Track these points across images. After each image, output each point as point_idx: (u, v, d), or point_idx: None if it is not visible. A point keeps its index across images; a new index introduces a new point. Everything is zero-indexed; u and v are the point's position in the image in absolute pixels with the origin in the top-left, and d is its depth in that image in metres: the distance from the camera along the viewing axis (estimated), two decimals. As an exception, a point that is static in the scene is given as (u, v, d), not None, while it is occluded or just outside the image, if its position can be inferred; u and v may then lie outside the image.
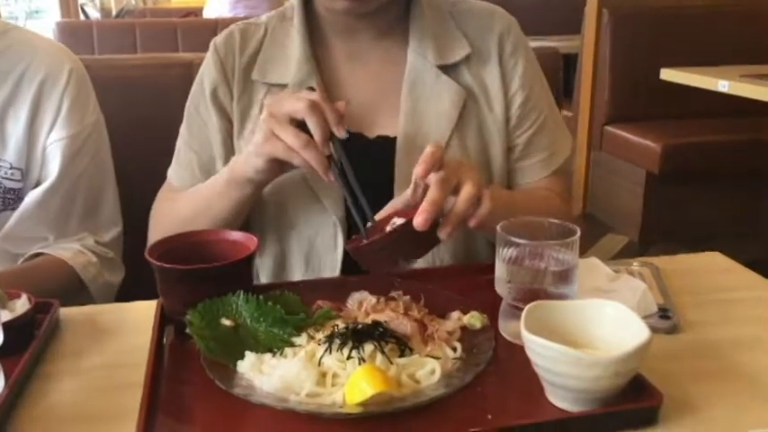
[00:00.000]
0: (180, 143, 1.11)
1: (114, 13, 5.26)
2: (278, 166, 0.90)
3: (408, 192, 0.85)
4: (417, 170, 0.80)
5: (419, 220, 0.76)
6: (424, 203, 0.77)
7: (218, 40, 1.08)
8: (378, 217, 0.87)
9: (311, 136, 0.86)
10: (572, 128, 3.65)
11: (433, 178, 0.79)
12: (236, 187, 0.95)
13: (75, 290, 1.13)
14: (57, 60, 1.15)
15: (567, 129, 1.15)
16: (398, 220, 0.84)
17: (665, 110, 3.33)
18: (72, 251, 1.15)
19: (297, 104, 0.85)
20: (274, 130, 0.87)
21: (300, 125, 0.87)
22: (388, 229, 0.83)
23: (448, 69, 1.04)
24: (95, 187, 1.19)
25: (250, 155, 0.91)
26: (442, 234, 0.79)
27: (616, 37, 3.35)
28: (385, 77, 1.06)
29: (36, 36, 1.19)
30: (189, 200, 1.04)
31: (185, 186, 1.08)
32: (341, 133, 0.86)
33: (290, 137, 0.85)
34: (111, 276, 1.19)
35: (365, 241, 0.83)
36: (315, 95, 0.87)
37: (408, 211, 0.84)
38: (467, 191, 0.80)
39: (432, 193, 0.78)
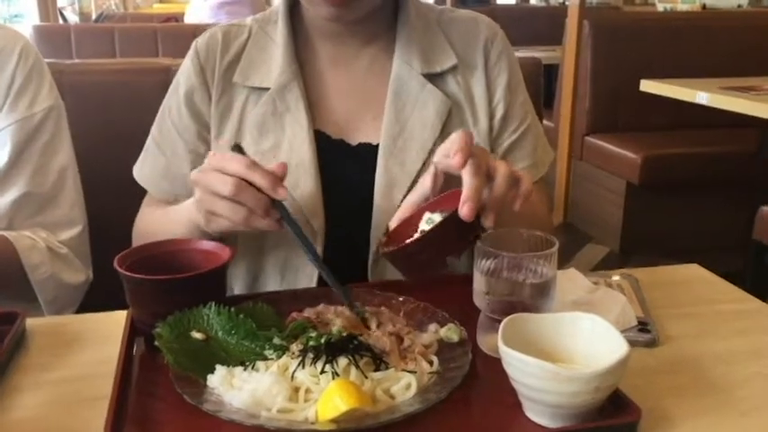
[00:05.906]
0: (149, 141, 1.09)
1: (94, 17, 5.20)
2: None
3: (426, 184, 0.82)
4: (455, 160, 0.75)
5: (465, 210, 0.72)
6: (466, 192, 0.73)
7: (200, 41, 1.06)
8: (399, 216, 0.83)
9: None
10: (553, 138, 3.67)
11: (467, 167, 0.75)
12: (198, 235, 0.91)
13: (14, 276, 1.05)
14: (8, 39, 1.10)
15: (548, 142, 1.14)
16: (434, 216, 0.79)
17: (646, 121, 3.36)
18: (17, 234, 1.06)
19: (223, 188, 0.80)
20: (211, 211, 0.83)
21: None
22: (423, 225, 0.79)
23: (434, 78, 1.03)
24: (50, 181, 1.12)
25: (201, 224, 0.87)
26: (488, 222, 0.75)
27: (597, 48, 3.38)
28: (370, 85, 1.05)
29: None
30: (157, 229, 1.00)
31: (146, 184, 1.08)
32: (279, 196, 0.80)
33: (229, 214, 0.81)
34: (66, 274, 1.11)
35: (409, 240, 0.76)
36: (240, 165, 0.80)
37: (432, 204, 0.81)
38: (503, 172, 0.77)
39: (472, 181, 0.74)
